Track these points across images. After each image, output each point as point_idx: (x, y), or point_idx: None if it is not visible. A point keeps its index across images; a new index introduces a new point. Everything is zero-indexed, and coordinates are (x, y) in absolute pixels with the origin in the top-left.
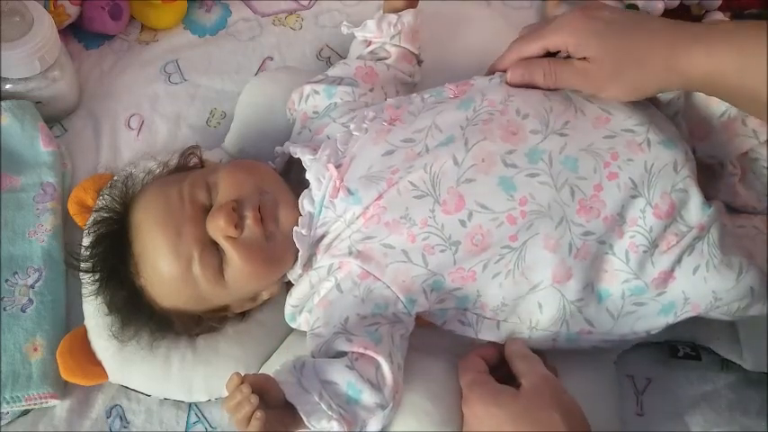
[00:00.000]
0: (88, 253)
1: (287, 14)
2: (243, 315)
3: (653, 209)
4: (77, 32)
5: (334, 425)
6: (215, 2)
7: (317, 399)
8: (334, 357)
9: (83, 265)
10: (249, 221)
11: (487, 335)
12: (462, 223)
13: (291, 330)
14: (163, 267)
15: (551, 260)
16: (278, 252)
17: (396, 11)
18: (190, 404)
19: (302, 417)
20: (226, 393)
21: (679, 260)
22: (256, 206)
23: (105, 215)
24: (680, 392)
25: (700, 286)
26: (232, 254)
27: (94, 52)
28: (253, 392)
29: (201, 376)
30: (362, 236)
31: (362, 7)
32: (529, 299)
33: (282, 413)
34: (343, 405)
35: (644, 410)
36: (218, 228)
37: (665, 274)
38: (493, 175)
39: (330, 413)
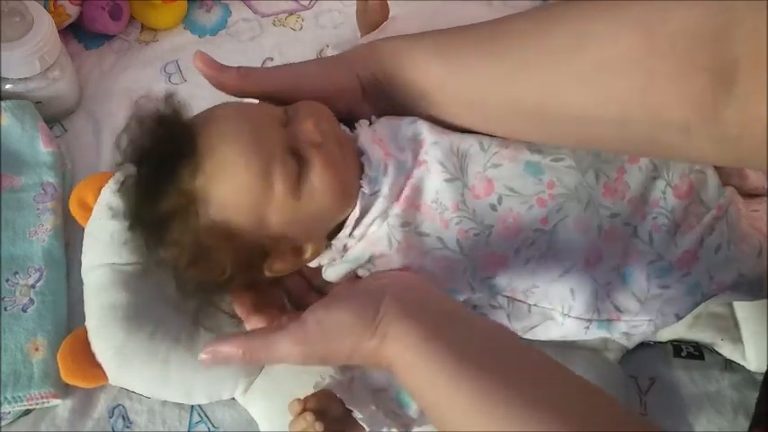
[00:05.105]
0: (131, 145)
1: (287, 15)
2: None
3: (673, 189)
4: (77, 32)
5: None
6: (215, 2)
7: (374, 409)
8: None
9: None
10: (330, 139)
11: (520, 321)
12: (493, 207)
13: None
14: (238, 166)
15: (582, 242)
16: (352, 179)
17: (373, 28)
18: (192, 404)
19: (364, 427)
20: (225, 396)
21: (701, 240)
22: (334, 132)
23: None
24: (683, 392)
25: (723, 264)
26: (315, 161)
27: (94, 52)
28: (316, 418)
29: (201, 380)
30: (400, 220)
31: None
32: (561, 283)
33: (345, 423)
34: (397, 410)
35: (647, 411)
36: (305, 131)
37: (689, 254)
38: (519, 161)
39: (388, 420)
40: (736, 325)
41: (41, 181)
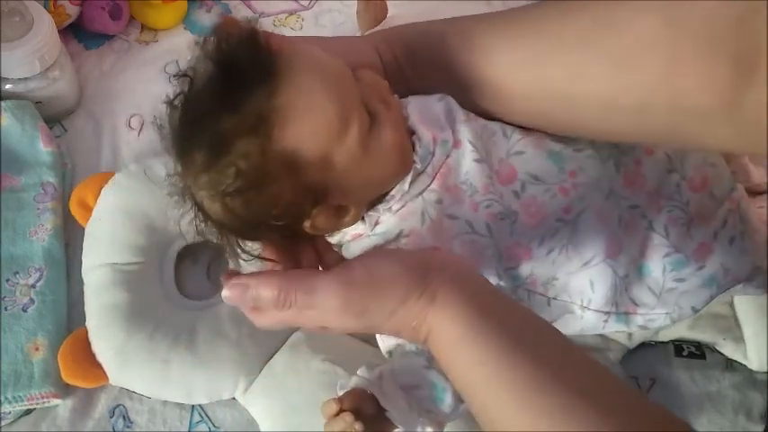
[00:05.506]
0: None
1: (287, 15)
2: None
3: (687, 182)
4: (77, 32)
5: (428, 429)
6: (215, 2)
7: (407, 407)
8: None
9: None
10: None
11: (540, 313)
12: (516, 194)
13: (296, 329)
14: (324, 100)
15: (603, 233)
16: (411, 149)
17: (373, 26)
18: (193, 404)
19: (399, 427)
20: (226, 396)
21: (715, 233)
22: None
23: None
24: (684, 392)
25: (738, 256)
26: (386, 120)
27: (94, 52)
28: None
29: (201, 379)
30: (435, 196)
31: None
32: (581, 275)
33: (377, 422)
34: (431, 407)
35: None
36: (380, 87)
37: (704, 246)
38: (542, 149)
39: (422, 419)
40: (738, 324)
41: (41, 181)
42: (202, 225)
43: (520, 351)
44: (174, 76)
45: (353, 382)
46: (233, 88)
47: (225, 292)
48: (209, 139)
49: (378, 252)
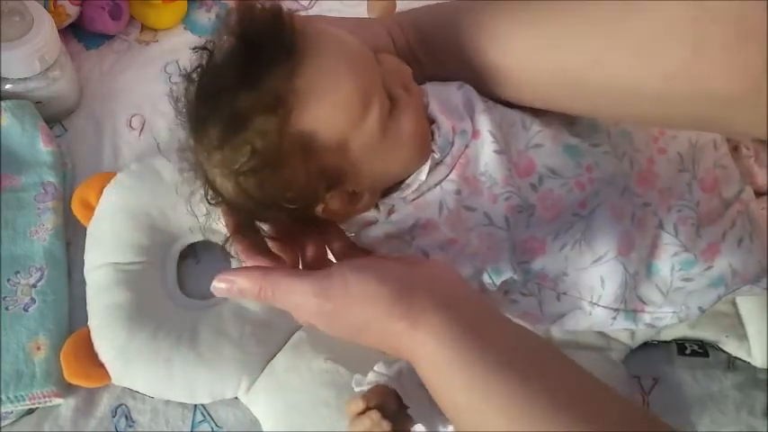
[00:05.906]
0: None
1: None
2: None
3: (698, 182)
4: (77, 32)
5: (450, 428)
6: (215, 2)
7: (428, 404)
8: None
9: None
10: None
11: (550, 308)
12: (533, 187)
13: (298, 328)
14: (346, 83)
15: (617, 229)
16: (429, 138)
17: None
18: (195, 404)
19: (423, 426)
20: (228, 395)
21: (724, 234)
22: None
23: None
24: (686, 392)
25: (746, 257)
26: (406, 105)
27: (94, 52)
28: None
29: (204, 379)
30: (454, 187)
31: (362, 8)
32: (591, 272)
33: (398, 418)
34: None
35: (650, 411)
36: (403, 72)
37: (713, 246)
38: (560, 143)
39: (443, 416)
40: (741, 323)
41: (42, 180)
42: (212, 203)
43: (509, 373)
44: (194, 49)
45: (372, 377)
46: (253, 65)
47: (214, 284)
48: (225, 116)
49: (362, 264)
